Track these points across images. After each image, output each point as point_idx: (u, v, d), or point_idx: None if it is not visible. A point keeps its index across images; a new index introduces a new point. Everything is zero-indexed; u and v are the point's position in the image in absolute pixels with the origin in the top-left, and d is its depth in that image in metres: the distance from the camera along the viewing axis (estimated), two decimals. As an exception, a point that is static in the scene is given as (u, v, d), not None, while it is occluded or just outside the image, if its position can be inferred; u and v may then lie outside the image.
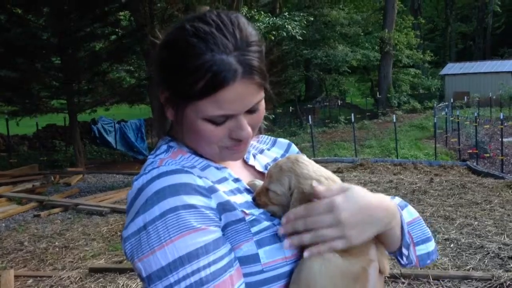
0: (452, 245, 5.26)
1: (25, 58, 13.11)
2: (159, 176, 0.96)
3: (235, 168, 1.14)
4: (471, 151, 13.56)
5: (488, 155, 13.19)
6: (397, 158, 13.49)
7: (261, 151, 1.28)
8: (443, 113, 18.56)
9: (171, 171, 0.97)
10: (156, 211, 0.92)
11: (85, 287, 4.71)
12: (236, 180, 1.09)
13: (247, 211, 1.00)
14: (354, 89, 35.92)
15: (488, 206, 7.06)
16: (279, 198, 1.03)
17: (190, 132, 1.04)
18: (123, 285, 4.58)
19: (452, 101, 19.68)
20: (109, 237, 6.43)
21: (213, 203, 0.96)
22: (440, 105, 20.64)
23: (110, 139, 17.95)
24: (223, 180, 1.06)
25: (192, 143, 1.07)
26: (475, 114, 14.13)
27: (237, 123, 1.01)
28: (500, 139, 13.74)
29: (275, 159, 1.27)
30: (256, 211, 1.02)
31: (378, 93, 27.43)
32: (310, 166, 1.04)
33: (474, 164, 12.10)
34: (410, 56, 29.24)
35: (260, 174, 1.20)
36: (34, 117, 15.06)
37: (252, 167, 1.21)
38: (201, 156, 1.08)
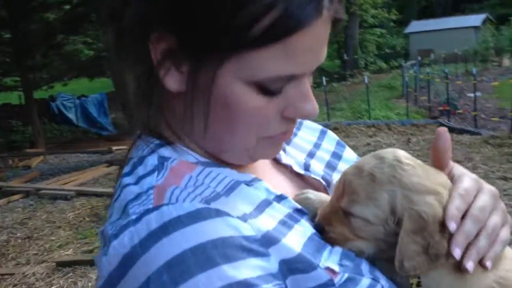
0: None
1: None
2: (165, 228, 0.51)
3: (262, 173, 0.69)
4: (442, 108, 13.48)
5: (459, 111, 13.13)
6: (370, 119, 13.30)
7: (288, 141, 0.83)
8: (411, 71, 18.45)
9: (188, 215, 0.52)
10: None
11: (53, 283, 4.26)
12: (280, 198, 0.64)
13: (335, 268, 0.57)
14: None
15: (470, 164, 6.91)
16: (371, 229, 0.61)
17: (216, 114, 0.59)
18: (96, 279, 4.15)
19: (419, 59, 19.52)
20: (77, 223, 5.95)
21: (273, 264, 0.54)
22: (408, 63, 20.53)
23: (71, 116, 17.08)
24: (264, 204, 0.61)
25: (212, 136, 0.62)
26: (446, 71, 14.01)
27: (300, 91, 0.60)
28: (470, 95, 13.75)
29: (310, 153, 0.83)
30: (336, 255, 0.60)
31: (345, 54, 27.14)
32: (419, 169, 0.62)
33: (446, 121, 12.04)
34: (376, 15, 28.99)
35: (299, 178, 0.76)
36: (-15, 96, 14.17)
37: (287, 166, 0.76)
38: (213, 158, 0.64)
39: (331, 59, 33.10)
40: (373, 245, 0.63)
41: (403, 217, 0.60)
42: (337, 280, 0.57)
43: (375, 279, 0.60)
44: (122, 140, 12.82)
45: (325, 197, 0.70)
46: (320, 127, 0.93)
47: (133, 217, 0.54)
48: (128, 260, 0.51)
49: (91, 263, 4.49)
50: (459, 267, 0.60)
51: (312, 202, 0.68)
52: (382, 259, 0.63)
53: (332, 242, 0.62)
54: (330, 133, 0.93)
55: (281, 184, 0.72)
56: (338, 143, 0.91)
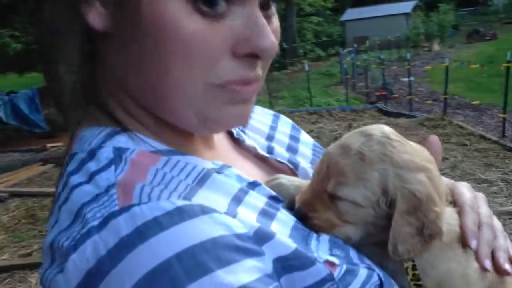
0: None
1: None
2: (140, 233, 0.42)
3: (227, 158, 0.63)
4: (378, 93, 13.92)
5: (395, 95, 13.61)
6: (311, 107, 13.52)
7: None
8: (348, 58, 18.94)
9: (168, 215, 0.43)
10: None
11: (-11, 292, 3.99)
12: (253, 185, 0.57)
13: (334, 260, 0.51)
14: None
15: (409, 146, 7.20)
16: (360, 212, 0.56)
17: (150, 48, 0.49)
18: (36, 283, 3.93)
19: (356, 46, 20.06)
20: (12, 226, 5.60)
21: (268, 263, 0.47)
22: (345, 51, 21.03)
23: (0, 113, 16.14)
24: (241, 194, 0.53)
25: (151, 85, 0.52)
26: (381, 57, 14.47)
27: (249, 19, 0.50)
28: (404, 79, 14.30)
29: (269, 137, 0.77)
30: (325, 244, 0.54)
31: (284, 43, 27.41)
32: (407, 146, 0.58)
33: (384, 105, 12.45)
34: (312, 4, 29.51)
35: (264, 162, 0.70)
36: None
37: (250, 150, 0.70)
38: (166, 134, 0.56)
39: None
40: (361, 230, 0.58)
41: (396, 197, 0.55)
42: (336, 273, 0.51)
43: (370, 268, 0.55)
44: (57, 137, 12.28)
45: (299, 182, 0.65)
46: (273, 112, 0.88)
47: (95, 223, 0.44)
48: (94, 277, 0.41)
49: (30, 266, 4.24)
50: (498, 273, 0.60)
51: (286, 188, 0.62)
52: (370, 244, 0.58)
53: (317, 230, 0.56)
54: (283, 117, 0.88)
55: (246, 170, 0.64)
56: (293, 127, 0.86)
